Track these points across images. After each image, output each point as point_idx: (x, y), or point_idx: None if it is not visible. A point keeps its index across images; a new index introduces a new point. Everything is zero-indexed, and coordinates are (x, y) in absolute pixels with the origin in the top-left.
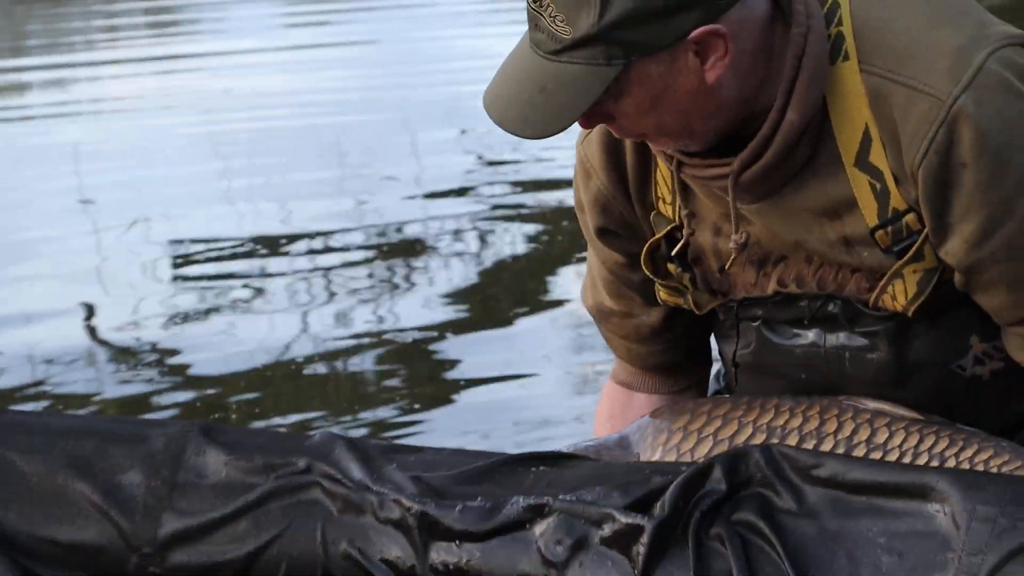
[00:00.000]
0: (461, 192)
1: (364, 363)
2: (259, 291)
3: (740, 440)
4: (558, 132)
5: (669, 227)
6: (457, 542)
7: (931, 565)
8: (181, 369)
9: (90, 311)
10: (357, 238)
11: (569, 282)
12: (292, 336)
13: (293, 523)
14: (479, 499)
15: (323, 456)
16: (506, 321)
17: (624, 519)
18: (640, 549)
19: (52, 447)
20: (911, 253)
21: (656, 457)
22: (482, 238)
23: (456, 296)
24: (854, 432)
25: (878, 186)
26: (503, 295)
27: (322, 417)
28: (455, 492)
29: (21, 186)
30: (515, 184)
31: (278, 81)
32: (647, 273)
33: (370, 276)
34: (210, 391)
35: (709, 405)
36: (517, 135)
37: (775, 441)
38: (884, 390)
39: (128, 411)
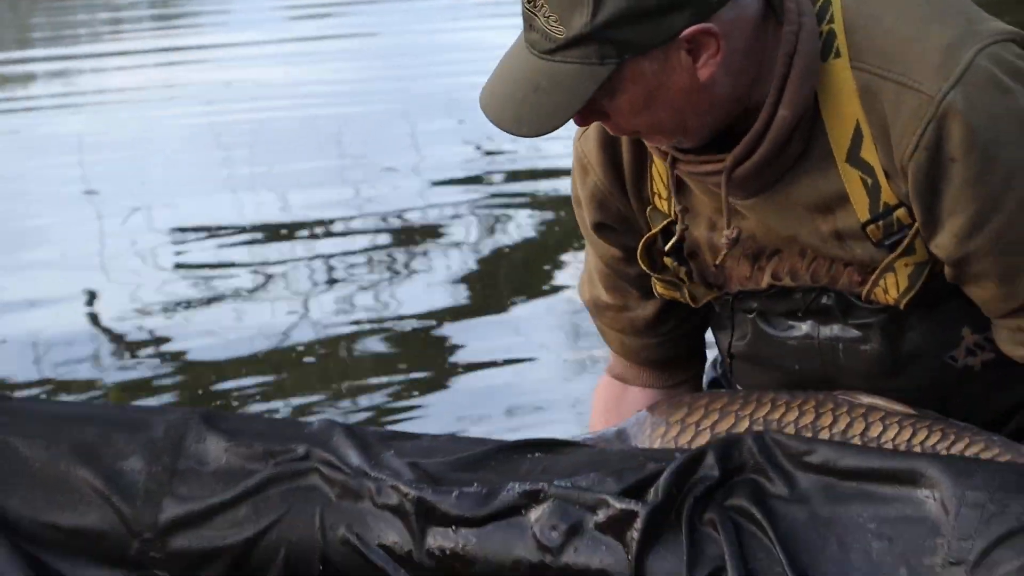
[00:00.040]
0: (460, 181)
1: (363, 349)
2: (260, 278)
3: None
4: (553, 130)
5: (665, 222)
6: (453, 527)
7: (921, 550)
8: (182, 356)
9: (93, 298)
10: (357, 226)
11: (567, 269)
12: (292, 323)
13: (292, 509)
14: (475, 485)
15: (322, 443)
16: (504, 308)
17: (618, 505)
18: (634, 534)
19: (54, 434)
20: (902, 247)
21: None
22: (481, 226)
23: (455, 283)
24: (848, 426)
25: (869, 181)
26: (501, 282)
27: (321, 403)
28: (452, 478)
29: (25, 175)
30: (513, 173)
31: (279, 73)
32: (644, 268)
33: (370, 264)
34: (211, 378)
35: (706, 399)
36: (513, 134)
37: None
38: (877, 381)
39: (129, 397)
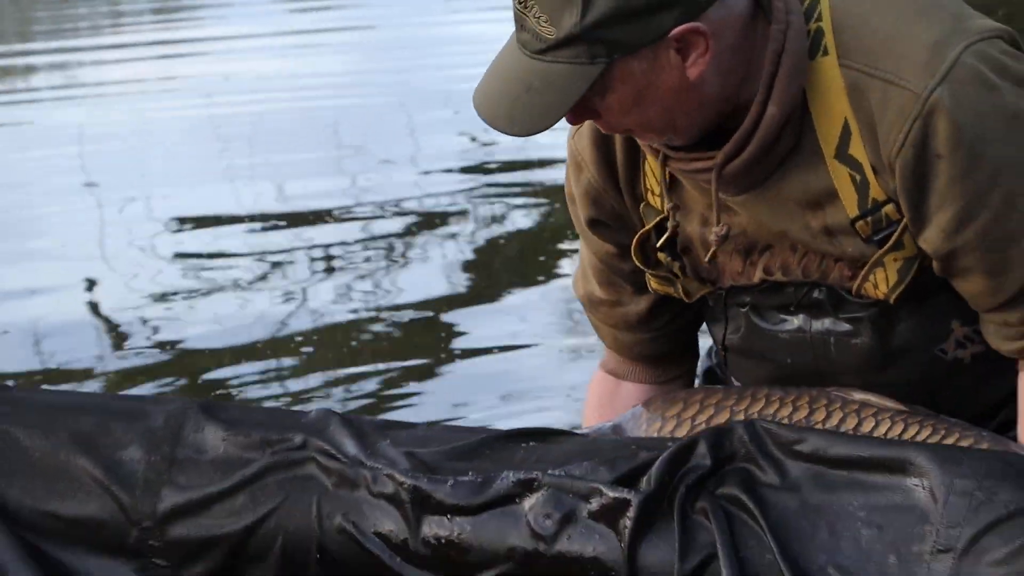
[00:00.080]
0: (456, 171)
1: (361, 338)
2: (258, 268)
3: None
4: (545, 129)
5: (658, 218)
6: (449, 516)
7: (910, 538)
8: (181, 344)
9: (92, 288)
10: (355, 216)
11: (562, 258)
12: (290, 311)
13: (289, 497)
14: (470, 474)
15: (318, 432)
16: (500, 296)
17: (611, 493)
18: (627, 523)
19: (54, 423)
20: (891, 242)
21: None
22: (477, 215)
23: (451, 272)
24: (841, 421)
25: (858, 177)
26: (498, 271)
27: (319, 391)
28: (447, 467)
29: (26, 166)
30: (509, 163)
31: (278, 65)
32: (637, 264)
33: (367, 253)
34: (210, 367)
35: (701, 394)
36: (506, 133)
37: None
38: (868, 374)
39: (129, 386)
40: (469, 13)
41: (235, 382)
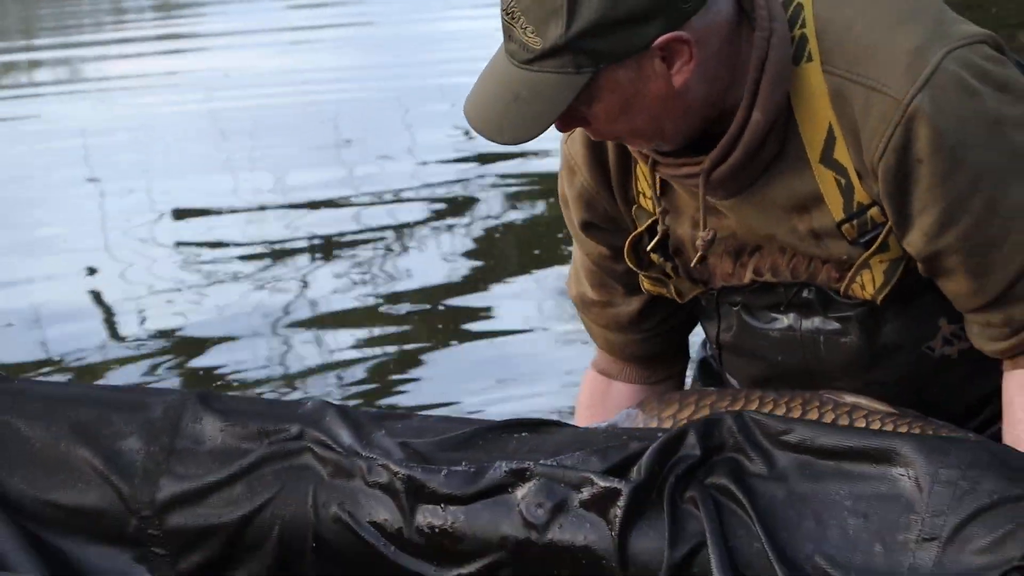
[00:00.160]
0: (453, 162)
1: (359, 326)
2: (257, 258)
3: None
4: (533, 138)
5: (650, 220)
6: (442, 505)
7: (895, 526)
8: (181, 335)
9: (94, 278)
10: (353, 206)
11: (557, 247)
12: (289, 301)
13: (286, 487)
14: (464, 464)
15: (315, 423)
16: (496, 284)
17: (602, 483)
18: (617, 512)
19: (55, 414)
20: (876, 244)
21: None
22: (473, 206)
23: (448, 261)
24: (832, 423)
25: (843, 181)
26: (494, 259)
27: (318, 379)
28: (441, 457)
29: (30, 159)
30: (504, 154)
31: (277, 60)
32: (630, 265)
33: (365, 242)
34: (209, 357)
35: (695, 395)
36: (495, 141)
37: None
38: (857, 371)
39: (129, 375)
40: (465, 9)
41: (234, 371)
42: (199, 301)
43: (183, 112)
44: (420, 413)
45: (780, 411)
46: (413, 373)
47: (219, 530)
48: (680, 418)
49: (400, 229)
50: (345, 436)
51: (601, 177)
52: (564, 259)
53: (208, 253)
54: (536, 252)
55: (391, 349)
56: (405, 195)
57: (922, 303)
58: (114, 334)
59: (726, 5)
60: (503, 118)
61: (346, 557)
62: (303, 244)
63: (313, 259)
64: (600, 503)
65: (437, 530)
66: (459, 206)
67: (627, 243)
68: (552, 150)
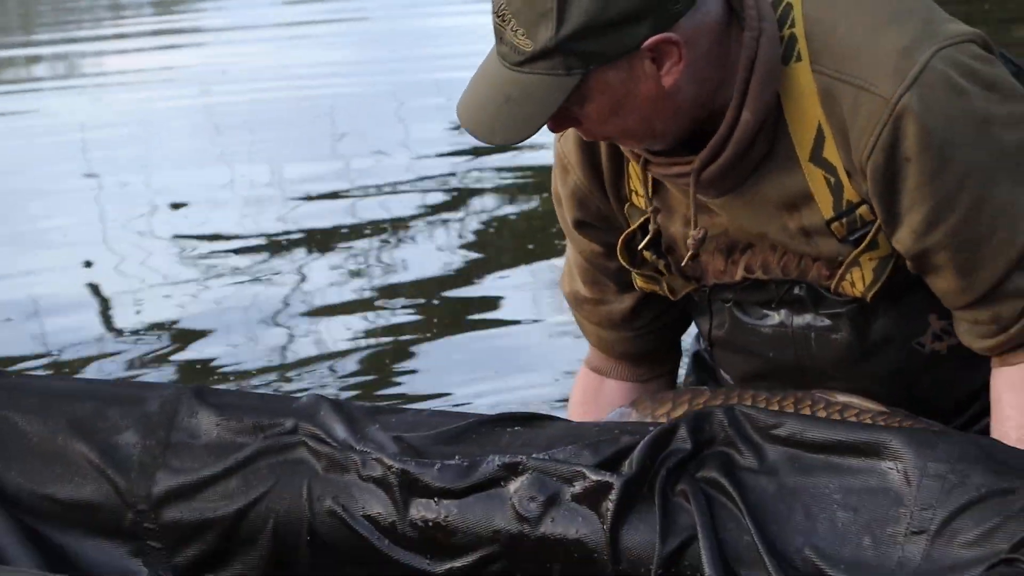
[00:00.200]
0: (448, 155)
1: (355, 317)
2: (254, 252)
3: None
4: (525, 139)
5: (643, 218)
6: (436, 499)
7: (884, 520)
8: (178, 327)
9: (92, 272)
10: (349, 200)
11: (552, 239)
12: (285, 294)
13: (280, 481)
14: (457, 458)
15: (309, 417)
16: (491, 276)
17: (594, 477)
18: (609, 505)
19: (52, 409)
20: (866, 242)
21: None
22: (468, 198)
23: (444, 253)
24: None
25: (832, 180)
26: (489, 252)
27: (315, 371)
28: (434, 451)
29: (29, 152)
30: (499, 148)
31: (274, 55)
32: (623, 263)
33: (361, 235)
34: (206, 349)
35: (689, 395)
36: (488, 142)
37: None
38: (848, 367)
39: (126, 369)
40: (458, 5)
41: (231, 363)
42: (196, 293)
43: (180, 107)
44: (414, 407)
45: (773, 409)
46: (408, 365)
47: (214, 524)
48: (674, 417)
49: (395, 222)
50: (339, 430)
51: (594, 176)
52: (558, 252)
53: (205, 246)
54: (531, 245)
55: (387, 341)
56: (401, 188)
57: (912, 300)
58: (111, 326)
59: (715, 6)
60: (495, 120)
61: (340, 550)
62: (299, 237)
63: (309, 252)
64: (592, 497)
65: (430, 523)
66: (454, 199)
67: (620, 241)
68: (546, 143)
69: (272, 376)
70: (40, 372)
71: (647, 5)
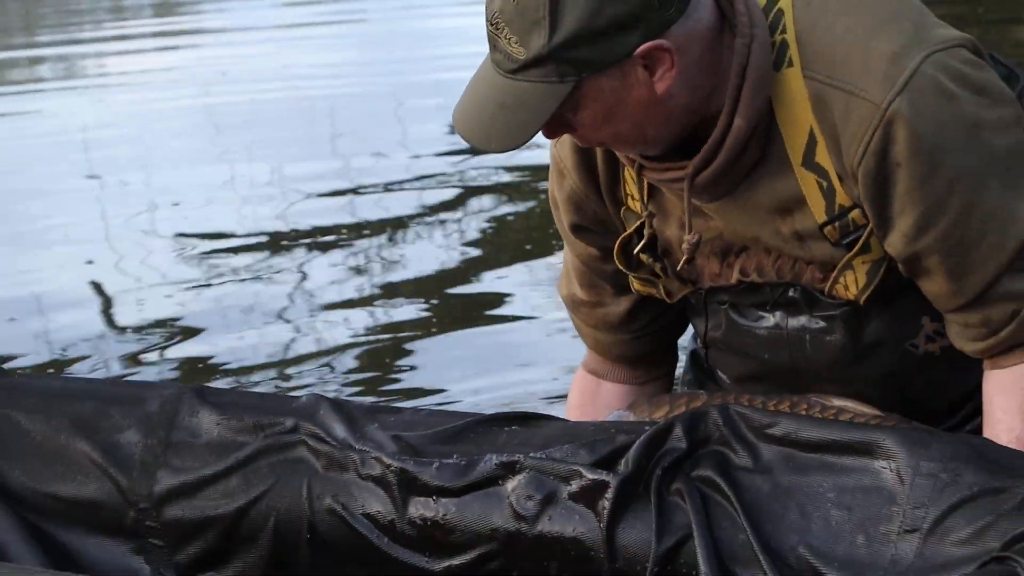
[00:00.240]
0: (446, 154)
1: (355, 315)
2: (255, 251)
3: None
4: (520, 146)
5: (639, 222)
6: (434, 497)
7: (878, 518)
8: (179, 327)
9: (94, 271)
10: (348, 199)
11: (549, 238)
12: (286, 292)
13: (280, 479)
14: (455, 457)
15: (309, 416)
16: (490, 274)
17: (590, 475)
18: (605, 503)
19: (55, 408)
20: (858, 246)
21: None
22: (467, 197)
23: (443, 251)
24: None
25: (824, 184)
26: (488, 250)
27: (316, 368)
28: (432, 450)
29: (31, 152)
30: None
31: (274, 56)
32: (620, 266)
33: (360, 234)
34: (207, 347)
35: (685, 398)
36: (483, 149)
37: None
38: (843, 368)
39: (128, 367)
40: (456, 7)
41: (232, 361)
42: (197, 292)
43: (181, 107)
44: (412, 407)
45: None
46: (408, 361)
47: (215, 522)
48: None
49: (395, 221)
50: (339, 429)
51: (590, 180)
52: (556, 250)
53: (206, 245)
54: (528, 243)
55: (386, 338)
56: (400, 187)
57: (905, 302)
58: (113, 325)
59: (707, 13)
60: (490, 127)
61: (340, 548)
62: (299, 236)
63: (309, 250)
64: (588, 495)
65: (429, 522)
66: (453, 198)
67: (616, 245)
68: (544, 143)
69: (273, 373)
70: (42, 370)
71: (639, 13)
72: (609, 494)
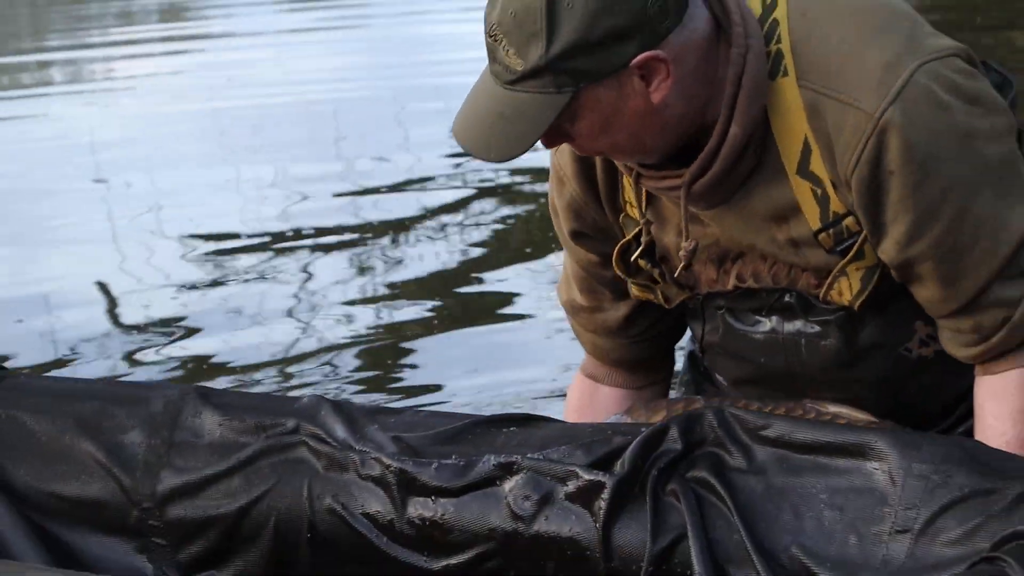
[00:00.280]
0: (448, 157)
1: (357, 314)
2: (259, 251)
3: None
4: (518, 156)
5: (637, 229)
6: (433, 497)
7: (870, 519)
8: (184, 327)
9: (101, 272)
10: (352, 201)
11: (550, 240)
12: (291, 293)
13: (282, 479)
14: (453, 457)
15: (310, 417)
16: (492, 274)
17: (587, 476)
18: (601, 504)
19: (59, 408)
20: (852, 253)
21: None
22: (469, 198)
23: (443, 252)
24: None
25: (819, 192)
26: (489, 250)
27: (319, 366)
28: (431, 451)
29: (39, 156)
30: None
31: (278, 61)
32: (619, 272)
33: (363, 236)
34: (212, 347)
35: (682, 403)
36: (483, 159)
37: None
38: (837, 372)
39: (133, 367)
40: (456, 13)
41: (236, 361)
42: (202, 292)
43: (187, 111)
44: (412, 408)
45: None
46: (409, 360)
47: (217, 521)
48: None
49: (397, 222)
50: (339, 430)
51: (589, 188)
52: (556, 251)
53: (211, 245)
54: (529, 244)
55: (388, 338)
56: (402, 189)
57: (898, 307)
58: (119, 324)
59: (703, 23)
60: (489, 137)
61: (340, 547)
62: (303, 237)
63: (313, 251)
64: (585, 496)
65: (427, 522)
66: (454, 200)
67: (615, 251)
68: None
69: (276, 372)
70: (48, 369)
71: (635, 23)
72: (605, 495)
